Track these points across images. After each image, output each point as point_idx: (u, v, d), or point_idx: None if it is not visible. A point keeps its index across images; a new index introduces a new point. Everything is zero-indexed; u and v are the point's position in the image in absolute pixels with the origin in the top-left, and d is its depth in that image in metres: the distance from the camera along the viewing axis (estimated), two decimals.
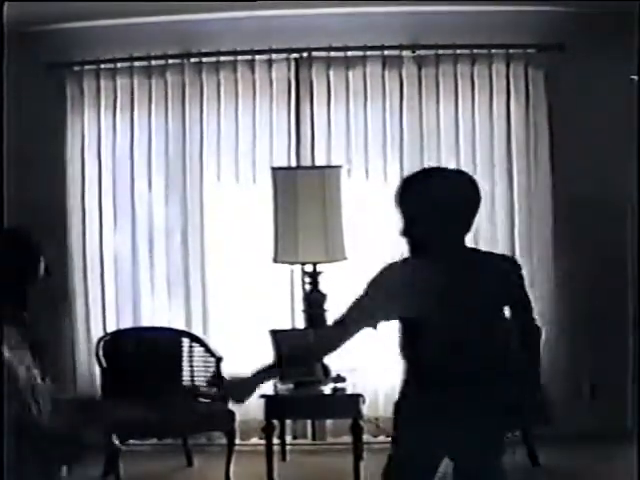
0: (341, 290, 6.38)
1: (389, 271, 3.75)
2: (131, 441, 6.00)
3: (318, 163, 6.56)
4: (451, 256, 3.68)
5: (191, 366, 6.40)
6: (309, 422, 6.66)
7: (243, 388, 3.88)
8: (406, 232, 3.70)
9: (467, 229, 3.71)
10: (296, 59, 6.65)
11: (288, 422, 6.47)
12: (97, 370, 6.32)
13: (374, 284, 3.73)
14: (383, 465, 3.85)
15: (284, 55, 6.62)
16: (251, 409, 6.36)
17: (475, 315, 3.64)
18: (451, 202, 3.63)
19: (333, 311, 6.04)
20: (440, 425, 3.68)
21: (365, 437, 5.96)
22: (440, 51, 6.54)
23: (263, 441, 5.79)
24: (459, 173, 3.86)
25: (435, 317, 3.64)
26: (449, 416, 3.67)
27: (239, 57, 6.63)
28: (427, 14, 6.43)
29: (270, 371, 3.98)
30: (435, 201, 3.62)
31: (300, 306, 6.08)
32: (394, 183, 6.55)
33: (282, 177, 5.98)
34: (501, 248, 6.30)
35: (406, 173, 6.49)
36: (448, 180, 3.71)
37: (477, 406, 3.65)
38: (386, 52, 6.56)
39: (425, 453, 3.75)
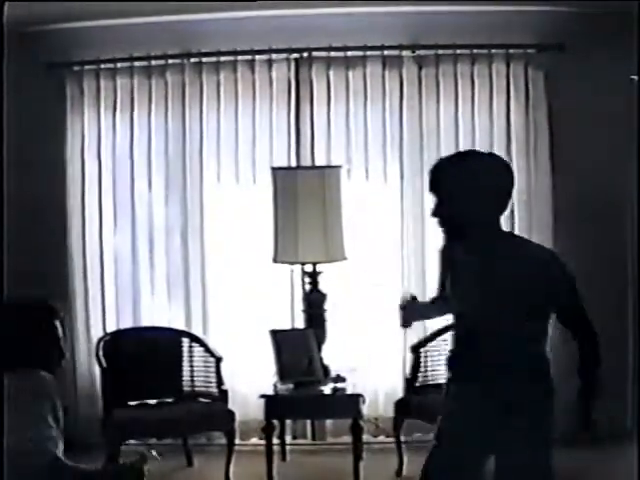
0: (341, 290, 6.41)
1: (442, 251, 3.91)
2: (131, 441, 5.99)
3: (318, 163, 6.56)
4: (485, 238, 3.70)
5: (191, 366, 6.40)
6: (309, 422, 6.66)
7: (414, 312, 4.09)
8: (437, 212, 3.71)
9: (500, 211, 3.72)
10: (296, 59, 6.64)
11: (288, 422, 6.47)
12: (97, 370, 6.32)
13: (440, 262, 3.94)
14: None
15: (284, 55, 6.62)
16: (251, 409, 6.38)
17: (505, 302, 3.62)
18: (484, 183, 3.64)
19: (333, 311, 6.08)
20: (476, 421, 3.68)
21: (365, 437, 5.97)
22: (440, 51, 6.53)
23: (263, 441, 5.80)
24: (492, 156, 3.85)
25: (466, 301, 3.69)
26: (481, 411, 3.67)
27: (239, 57, 6.62)
28: (427, 14, 6.43)
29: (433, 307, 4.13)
30: (468, 182, 3.63)
31: (300, 306, 6.08)
32: (394, 183, 6.67)
33: (282, 177, 5.97)
34: None
35: (406, 173, 6.57)
36: (481, 162, 3.73)
37: (501, 401, 3.65)
38: (386, 52, 6.56)
39: (468, 453, 3.72)
